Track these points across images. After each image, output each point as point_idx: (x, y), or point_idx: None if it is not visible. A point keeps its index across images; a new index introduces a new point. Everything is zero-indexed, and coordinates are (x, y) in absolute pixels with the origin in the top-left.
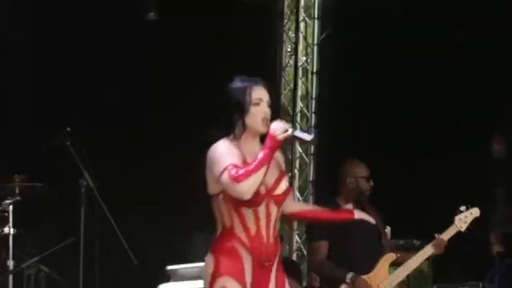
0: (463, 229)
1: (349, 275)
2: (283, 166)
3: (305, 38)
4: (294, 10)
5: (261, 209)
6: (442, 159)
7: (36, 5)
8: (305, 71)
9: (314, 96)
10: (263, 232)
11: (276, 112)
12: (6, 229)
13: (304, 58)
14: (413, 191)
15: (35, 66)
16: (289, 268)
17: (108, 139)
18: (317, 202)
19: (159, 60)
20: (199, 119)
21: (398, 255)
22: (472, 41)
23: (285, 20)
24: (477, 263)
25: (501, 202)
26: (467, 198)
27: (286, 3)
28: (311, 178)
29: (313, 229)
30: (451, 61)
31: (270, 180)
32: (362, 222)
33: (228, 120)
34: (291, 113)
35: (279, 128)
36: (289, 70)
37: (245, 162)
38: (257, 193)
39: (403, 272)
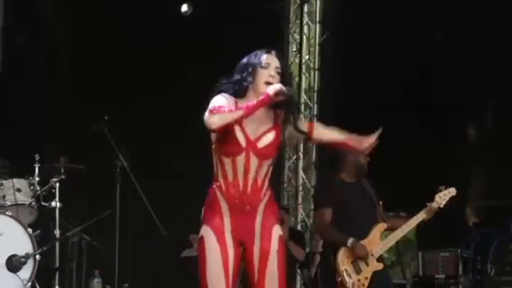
0: (441, 205)
1: (350, 240)
2: (276, 125)
3: (308, 39)
4: (299, 15)
5: (239, 160)
6: (427, 144)
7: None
8: (308, 68)
9: (316, 89)
10: (240, 181)
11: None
12: (53, 203)
13: (307, 56)
14: (402, 169)
15: (77, 61)
16: (295, 236)
17: (138, 124)
18: (319, 181)
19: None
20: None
21: (388, 224)
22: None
23: (291, 24)
24: (455, 233)
25: (476, 180)
26: (448, 177)
27: (292, 9)
28: (313, 160)
29: (319, 198)
30: (441, 57)
31: (254, 134)
32: (360, 195)
33: (237, 78)
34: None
35: (273, 87)
36: (294, 67)
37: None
38: (236, 144)
39: (394, 237)
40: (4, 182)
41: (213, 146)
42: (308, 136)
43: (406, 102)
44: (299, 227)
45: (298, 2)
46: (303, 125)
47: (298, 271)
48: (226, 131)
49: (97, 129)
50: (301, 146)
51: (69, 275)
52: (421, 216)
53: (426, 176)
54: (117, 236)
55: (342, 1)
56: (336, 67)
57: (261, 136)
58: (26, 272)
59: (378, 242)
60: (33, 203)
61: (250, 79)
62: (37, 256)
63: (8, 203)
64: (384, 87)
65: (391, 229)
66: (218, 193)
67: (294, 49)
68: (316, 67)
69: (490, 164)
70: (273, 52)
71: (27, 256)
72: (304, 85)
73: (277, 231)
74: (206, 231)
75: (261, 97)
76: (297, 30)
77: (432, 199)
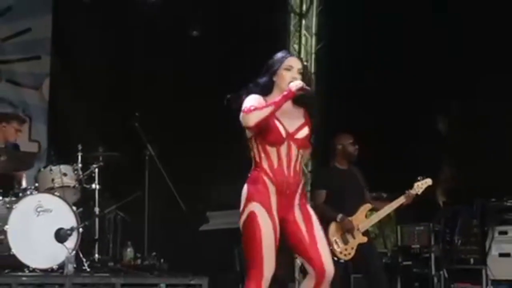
0: (419, 193)
1: (339, 216)
2: (307, 121)
3: (305, 48)
4: (298, 29)
5: (283, 149)
6: (407, 136)
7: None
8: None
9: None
10: (284, 166)
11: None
12: (93, 185)
13: (305, 63)
14: (384, 155)
15: (114, 66)
16: None
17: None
18: (315, 167)
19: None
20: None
21: (373, 205)
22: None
23: (291, 36)
24: (428, 210)
25: (445, 165)
26: (422, 163)
27: (292, 23)
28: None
29: (316, 182)
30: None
31: (291, 127)
32: (350, 180)
33: (264, 79)
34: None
35: (295, 84)
36: None
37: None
38: (279, 135)
39: (377, 216)
40: (53, 168)
41: (253, 138)
42: None
43: (388, 102)
44: None
45: (297, 17)
46: None
47: None
48: (267, 125)
49: (130, 123)
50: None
51: (106, 245)
52: (401, 200)
53: (404, 162)
54: (146, 213)
55: (334, 17)
56: (329, 72)
57: (298, 129)
58: (71, 242)
59: (364, 219)
60: (77, 185)
61: (275, 79)
62: (80, 229)
63: (56, 185)
64: (369, 88)
65: (375, 209)
66: (265, 178)
67: None
68: (313, 72)
69: (457, 152)
70: (296, 56)
71: (72, 229)
72: None
73: (311, 208)
74: (257, 207)
75: (285, 92)
76: (296, 41)
77: (411, 187)
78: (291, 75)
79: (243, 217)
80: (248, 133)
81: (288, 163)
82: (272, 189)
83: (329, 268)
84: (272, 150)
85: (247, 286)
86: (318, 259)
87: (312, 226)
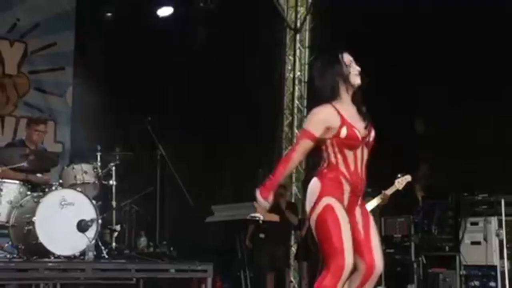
0: (400, 188)
1: None
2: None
3: (299, 59)
4: (293, 42)
5: (358, 152)
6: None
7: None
8: (300, 81)
9: (305, 97)
10: (359, 168)
11: None
12: (110, 182)
13: (299, 72)
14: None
15: (129, 76)
16: (290, 206)
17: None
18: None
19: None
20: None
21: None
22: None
23: (287, 48)
24: (408, 203)
25: (423, 163)
26: (402, 161)
27: (287, 37)
28: None
29: (309, 177)
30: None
31: (363, 131)
32: None
33: (328, 83)
34: (290, 107)
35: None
36: (289, 81)
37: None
38: (357, 141)
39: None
40: (75, 166)
41: (329, 141)
42: None
43: (376, 105)
44: (293, 200)
45: (292, 32)
46: None
47: (293, 232)
48: (347, 129)
49: (142, 127)
50: (295, 139)
51: (122, 234)
52: (376, 201)
53: (386, 160)
54: (158, 206)
55: (324, 32)
56: None
57: (369, 132)
58: (91, 232)
59: None
60: (96, 181)
61: (338, 79)
62: (99, 221)
63: (78, 181)
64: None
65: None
66: (342, 179)
67: (289, 67)
68: (306, 80)
69: (434, 151)
70: (344, 50)
71: (92, 221)
72: (296, 93)
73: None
74: (333, 201)
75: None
76: (291, 53)
77: (391, 183)
78: (355, 67)
79: (318, 210)
80: (323, 135)
81: (361, 165)
82: (347, 188)
83: (379, 265)
84: (349, 153)
85: (325, 276)
86: (370, 254)
87: (368, 225)
